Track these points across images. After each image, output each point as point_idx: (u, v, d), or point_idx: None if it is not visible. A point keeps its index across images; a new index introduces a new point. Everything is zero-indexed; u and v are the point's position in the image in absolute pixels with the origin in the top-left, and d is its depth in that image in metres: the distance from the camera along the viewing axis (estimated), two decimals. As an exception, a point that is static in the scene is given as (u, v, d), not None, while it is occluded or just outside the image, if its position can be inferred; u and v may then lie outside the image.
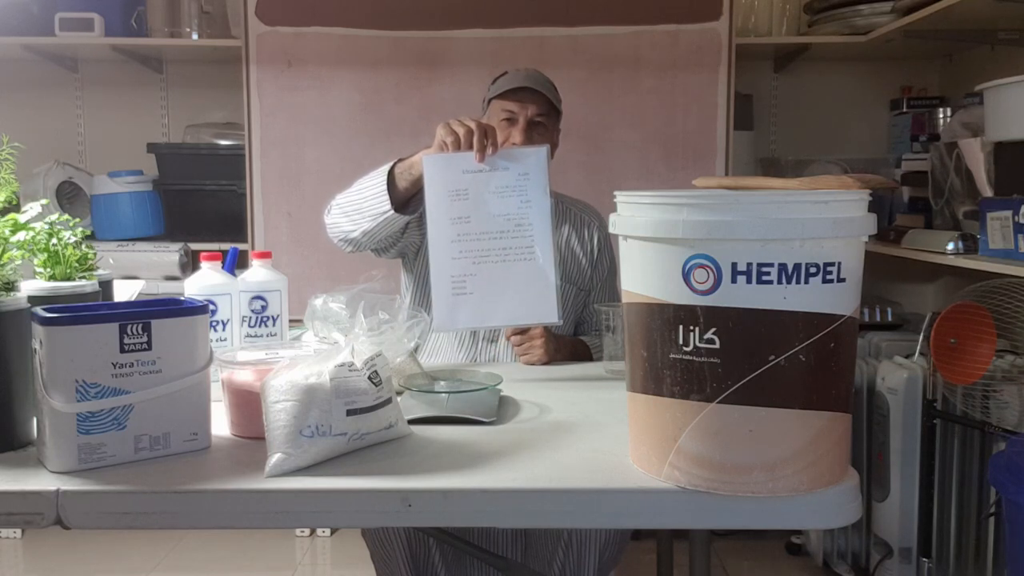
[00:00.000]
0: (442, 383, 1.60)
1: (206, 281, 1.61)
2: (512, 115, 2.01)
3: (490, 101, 2.07)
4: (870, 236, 1.12)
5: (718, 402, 1.06)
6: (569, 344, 2.02)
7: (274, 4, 2.90)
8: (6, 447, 1.26)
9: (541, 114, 2.03)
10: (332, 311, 1.48)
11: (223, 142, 3.13)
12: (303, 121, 2.94)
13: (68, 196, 3.12)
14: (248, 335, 1.65)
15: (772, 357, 1.05)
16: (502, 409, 1.50)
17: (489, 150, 1.72)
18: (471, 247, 1.73)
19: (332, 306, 1.49)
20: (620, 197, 1.18)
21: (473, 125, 1.73)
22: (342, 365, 1.25)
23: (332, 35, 2.92)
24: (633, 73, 2.91)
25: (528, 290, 1.73)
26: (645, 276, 1.12)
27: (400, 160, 1.83)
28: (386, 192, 1.82)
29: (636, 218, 1.12)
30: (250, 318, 1.65)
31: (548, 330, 1.93)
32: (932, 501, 2.33)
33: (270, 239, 2.96)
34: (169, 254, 2.96)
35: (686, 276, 1.06)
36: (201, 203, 3.08)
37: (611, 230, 1.19)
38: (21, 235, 1.37)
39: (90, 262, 1.48)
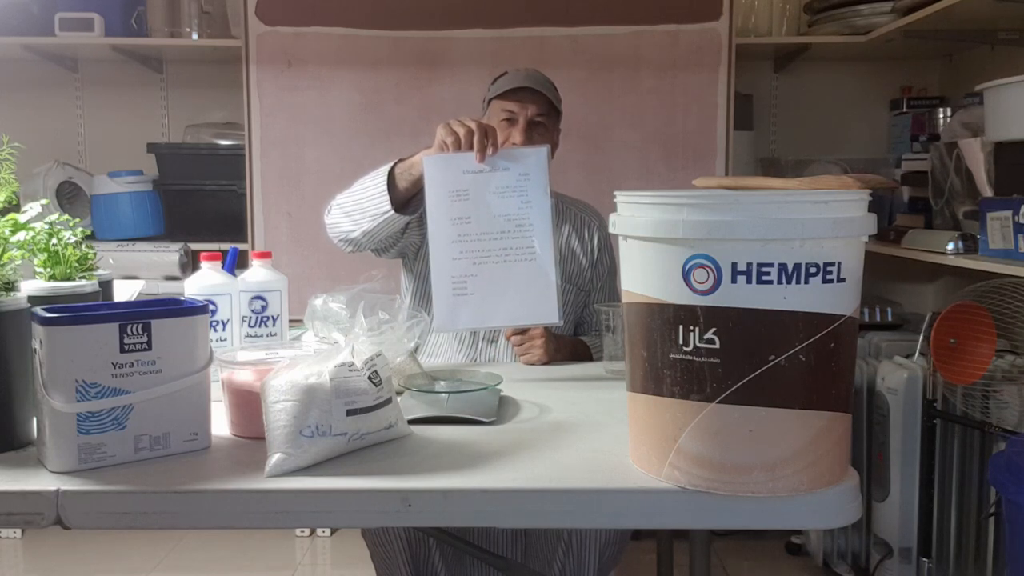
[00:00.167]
0: (442, 383, 1.60)
1: (206, 281, 1.61)
2: (512, 115, 2.01)
3: (490, 101, 2.07)
4: (870, 236, 1.12)
5: (718, 402, 1.06)
6: (569, 344, 2.02)
7: (274, 4, 2.90)
8: (6, 447, 1.26)
9: (541, 114, 2.03)
10: (332, 311, 1.48)
11: (223, 142, 3.13)
12: (303, 121, 2.94)
13: (68, 196, 3.12)
14: (248, 335, 1.65)
15: (772, 357, 1.05)
16: (502, 409, 1.50)
17: (489, 150, 1.72)
18: (471, 247, 1.73)
19: (332, 306, 1.49)
20: (620, 197, 1.18)
21: (473, 125, 1.73)
22: (342, 365, 1.25)
23: (332, 35, 2.92)
24: (633, 73, 2.91)
25: (529, 290, 1.73)
26: (645, 276, 1.12)
27: (400, 160, 1.83)
28: (386, 192, 1.82)
29: (636, 218, 1.12)
30: (250, 318, 1.65)
31: (548, 330, 1.93)
32: (932, 501, 2.33)
33: (270, 239, 2.96)
34: (169, 254, 2.96)
35: (686, 276, 1.06)
36: (201, 203, 3.08)
37: (611, 230, 1.19)
38: (21, 235, 1.37)
39: (90, 262, 1.48)
